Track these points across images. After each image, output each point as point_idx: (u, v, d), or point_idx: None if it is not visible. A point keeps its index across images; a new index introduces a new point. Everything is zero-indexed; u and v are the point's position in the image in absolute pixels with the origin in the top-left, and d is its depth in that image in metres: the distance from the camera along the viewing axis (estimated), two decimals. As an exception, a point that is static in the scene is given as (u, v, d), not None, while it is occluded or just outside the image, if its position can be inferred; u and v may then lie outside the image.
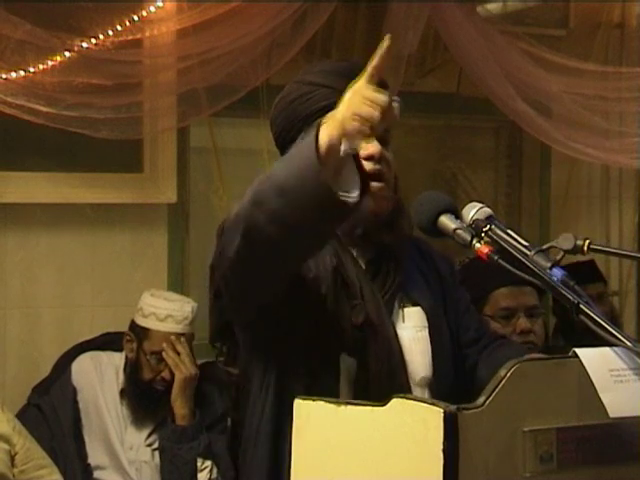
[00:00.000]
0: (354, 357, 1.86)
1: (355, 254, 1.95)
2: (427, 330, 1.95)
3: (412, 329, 1.94)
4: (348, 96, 1.62)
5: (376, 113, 1.58)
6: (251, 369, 1.92)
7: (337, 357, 1.85)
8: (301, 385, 1.81)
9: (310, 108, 1.91)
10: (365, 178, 1.69)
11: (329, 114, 1.64)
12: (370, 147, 1.89)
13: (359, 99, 1.59)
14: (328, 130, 1.61)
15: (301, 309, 1.85)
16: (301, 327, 1.85)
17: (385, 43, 1.61)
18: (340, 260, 1.91)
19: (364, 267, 1.94)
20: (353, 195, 1.65)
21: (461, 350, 2.02)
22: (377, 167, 1.90)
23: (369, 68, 1.61)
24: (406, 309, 1.95)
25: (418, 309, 1.96)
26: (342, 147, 1.61)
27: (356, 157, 1.68)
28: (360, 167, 1.68)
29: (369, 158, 1.88)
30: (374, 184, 1.89)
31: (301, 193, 1.60)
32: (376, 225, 1.92)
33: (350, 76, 1.88)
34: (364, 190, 1.67)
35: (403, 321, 1.94)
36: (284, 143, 1.98)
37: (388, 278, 1.95)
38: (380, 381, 1.83)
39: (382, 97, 1.59)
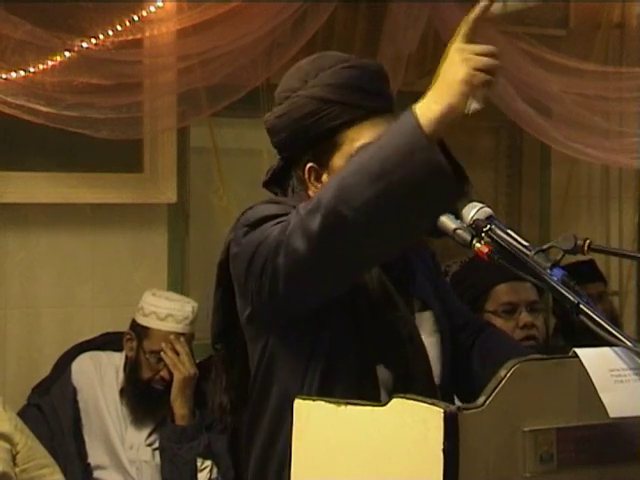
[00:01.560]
0: (391, 369, 1.83)
1: None
2: (438, 334, 1.93)
3: (425, 334, 1.91)
4: (456, 58, 1.57)
5: (495, 62, 1.57)
6: (270, 374, 1.86)
7: (374, 368, 1.82)
8: (345, 389, 1.77)
9: (324, 126, 1.86)
10: (457, 166, 1.63)
11: (429, 90, 1.58)
12: None
13: (471, 56, 1.57)
14: (443, 99, 1.56)
15: (349, 313, 1.81)
16: (346, 331, 1.81)
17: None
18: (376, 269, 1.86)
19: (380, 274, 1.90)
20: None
21: (452, 337, 2.00)
22: None
23: (468, 23, 1.59)
24: (419, 314, 1.93)
25: (429, 313, 1.94)
26: (471, 105, 1.57)
27: (442, 145, 1.61)
28: (449, 154, 1.62)
29: None
30: None
31: (409, 173, 1.54)
32: None
33: (360, 86, 1.87)
34: (462, 177, 1.63)
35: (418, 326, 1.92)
36: (287, 152, 1.95)
37: (407, 284, 1.92)
38: (416, 391, 1.80)
39: (490, 47, 1.58)
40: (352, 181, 1.60)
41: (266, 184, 2.00)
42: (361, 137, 1.86)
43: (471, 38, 1.58)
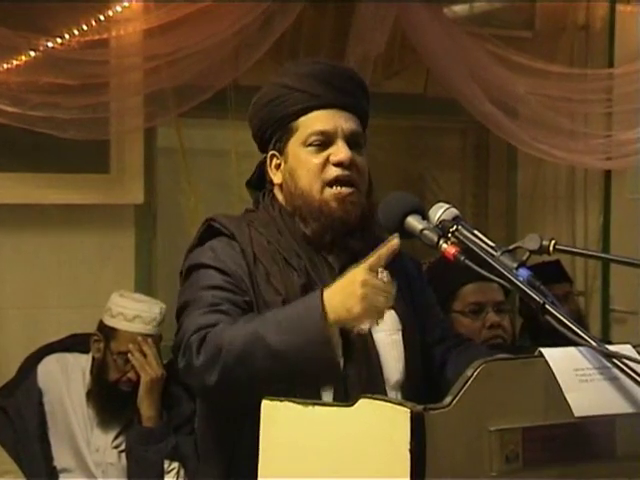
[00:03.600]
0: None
1: (330, 260, 1.94)
2: (400, 333, 1.95)
3: (386, 332, 1.94)
4: (356, 288, 1.68)
5: (390, 301, 1.70)
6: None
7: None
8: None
9: (284, 111, 1.93)
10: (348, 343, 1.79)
11: (334, 290, 1.71)
12: (340, 153, 1.90)
13: (371, 290, 1.67)
14: (337, 316, 1.69)
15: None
16: None
17: (393, 241, 1.71)
18: (314, 269, 1.90)
19: (338, 272, 1.93)
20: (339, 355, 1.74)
21: (428, 349, 2.03)
22: (346, 173, 1.90)
23: (375, 257, 1.70)
24: None
25: (391, 312, 1.95)
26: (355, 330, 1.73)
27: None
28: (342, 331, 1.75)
29: (338, 164, 1.89)
30: (343, 189, 1.90)
31: (306, 365, 1.70)
32: (344, 232, 1.92)
33: (325, 79, 1.92)
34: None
35: (377, 324, 1.94)
36: (260, 142, 2.02)
37: None
38: (359, 388, 1.82)
39: (391, 285, 1.71)
40: (256, 349, 1.71)
41: (248, 182, 2.06)
42: (314, 125, 1.92)
43: (376, 270, 1.71)
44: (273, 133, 1.96)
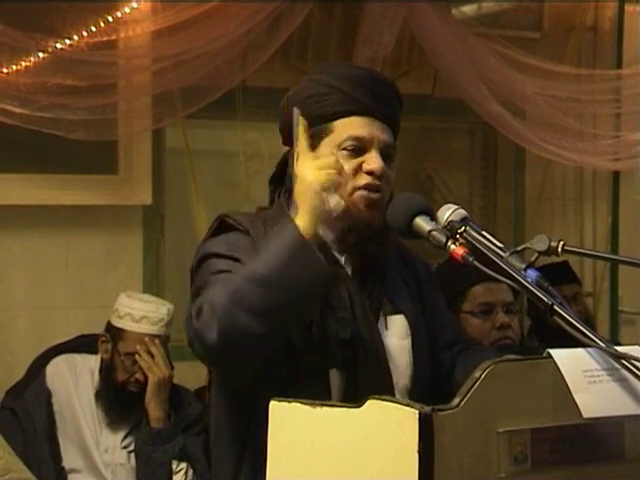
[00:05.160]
0: (343, 372, 1.85)
1: (343, 261, 1.94)
2: (410, 338, 1.95)
3: (395, 337, 1.93)
4: (303, 174, 1.79)
5: (332, 173, 1.77)
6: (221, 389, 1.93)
7: (326, 372, 1.84)
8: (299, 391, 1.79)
9: (322, 110, 1.91)
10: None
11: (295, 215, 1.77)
12: (373, 163, 1.89)
13: (312, 171, 1.77)
14: (302, 213, 1.76)
15: (285, 339, 1.83)
16: (287, 353, 1.83)
17: (300, 125, 1.82)
18: None
19: (351, 274, 1.93)
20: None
21: (437, 354, 2.02)
22: (376, 182, 1.90)
23: (301, 140, 1.82)
24: (390, 317, 1.94)
25: (401, 317, 1.95)
26: (331, 205, 1.78)
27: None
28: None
29: (370, 173, 1.89)
30: (372, 194, 1.89)
31: (301, 278, 1.71)
32: (367, 235, 1.91)
33: (367, 86, 1.92)
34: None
35: (387, 329, 1.92)
36: (289, 135, 1.97)
37: (375, 286, 1.94)
38: (368, 392, 1.81)
39: (327, 160, 1.81)
40: (242, 285, 1.72)
41: (271, 179, 2.05)
42: (351, 129, 1.90)
43: (312, 149, 1.83)
44: (308, 128, 1.91)
